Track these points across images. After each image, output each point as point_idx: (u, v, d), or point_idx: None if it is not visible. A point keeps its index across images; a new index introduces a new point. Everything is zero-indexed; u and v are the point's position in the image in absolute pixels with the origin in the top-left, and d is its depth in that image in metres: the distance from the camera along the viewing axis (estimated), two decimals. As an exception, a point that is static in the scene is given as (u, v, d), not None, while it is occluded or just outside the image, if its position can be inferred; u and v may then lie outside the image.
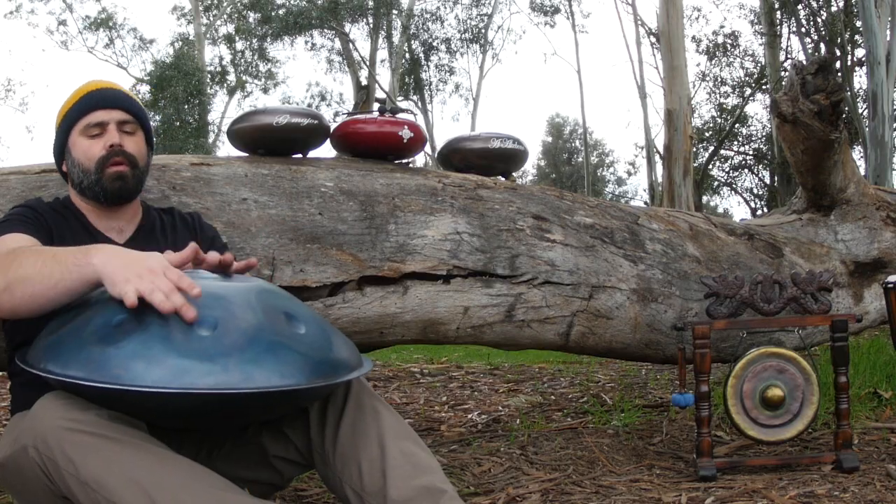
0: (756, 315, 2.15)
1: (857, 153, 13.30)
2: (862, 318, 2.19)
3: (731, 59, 18.59)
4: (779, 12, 15.88)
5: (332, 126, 2.27)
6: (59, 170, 1.64)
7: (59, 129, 1.60)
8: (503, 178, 2.43)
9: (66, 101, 1.60)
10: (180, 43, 20.20)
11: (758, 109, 24.55)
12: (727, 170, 19.74)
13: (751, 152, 19.19)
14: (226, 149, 23.77)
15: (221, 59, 20.85)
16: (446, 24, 20.22)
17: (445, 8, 19.36)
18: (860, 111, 12.86)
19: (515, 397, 3.38)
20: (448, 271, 2.11)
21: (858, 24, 11.70)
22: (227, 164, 2.07)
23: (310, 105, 20.56)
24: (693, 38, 18.32)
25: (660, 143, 13.08)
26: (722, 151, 18.86)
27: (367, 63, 18.30)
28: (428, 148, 17.20)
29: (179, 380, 1.10)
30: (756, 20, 17.35)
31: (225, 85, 20.77)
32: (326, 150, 2.30)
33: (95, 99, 1.57)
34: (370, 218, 2.08)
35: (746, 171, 19.48)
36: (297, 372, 1.17)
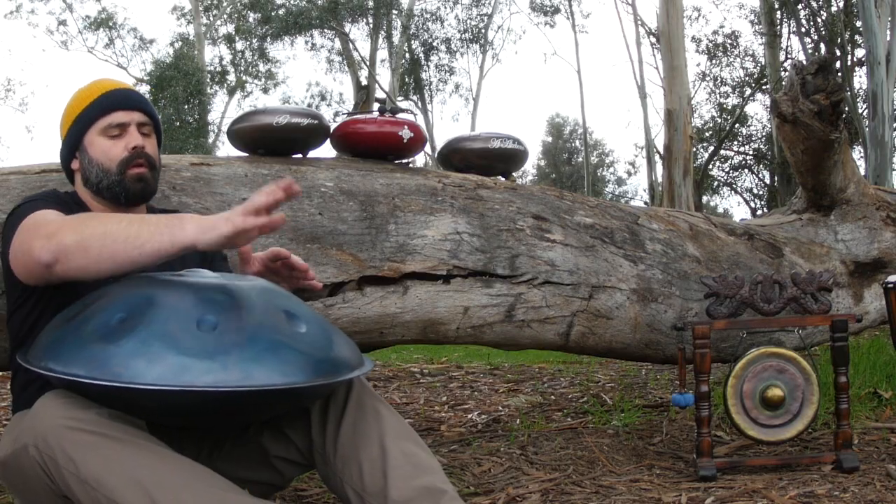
0: (756, 315, 2.15)
1: (857, 153, 13.30)
2: (862, 318, 2.20)
3: (731, 59, 18.60)
4: (779, 12, 15.88)
5: (332, 126, 2.27)
6: (67, 167, 1.63)
7: (73, 127, 1.58)
8: (503, 178, 2.43)
9: (79, 98, 1.58)
10: (180, 43, 20.20)
11: (758, 109, 24.57)
12: (727, 170, 19.75)
13: (751, 152, 19.19)
14: (226, 149, 23.78)
15: (221, 59, 20.87)
16: (446, 24, 20.23)
17: (445, 8, 19.38)
18: (860, 111, 12.86)
19: (515, 397, 3.38)
20: (448, 271, 2.11)
21: (858, 24, 11.71)
22: (227, 164, 2.07)
23: (310, 105, 20.56)
24: (693, 38, 18.33)
25: (660, 143, 13.09)
26: (722, 151, 18.86)
27: (367, 63, 18.30)
28: (428, 148, 17.20)
29: (180, 377, 1.10)
30: (756, 20, 17.35)
31: (225, 85, 20.77)
32: (326, 150, 2.30)
33: (116, 99, 1.56)
34: (370, 218, 2.08)
35: (746, 171, 19.49)
36: (297, 370, 1.17)
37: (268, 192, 1.24)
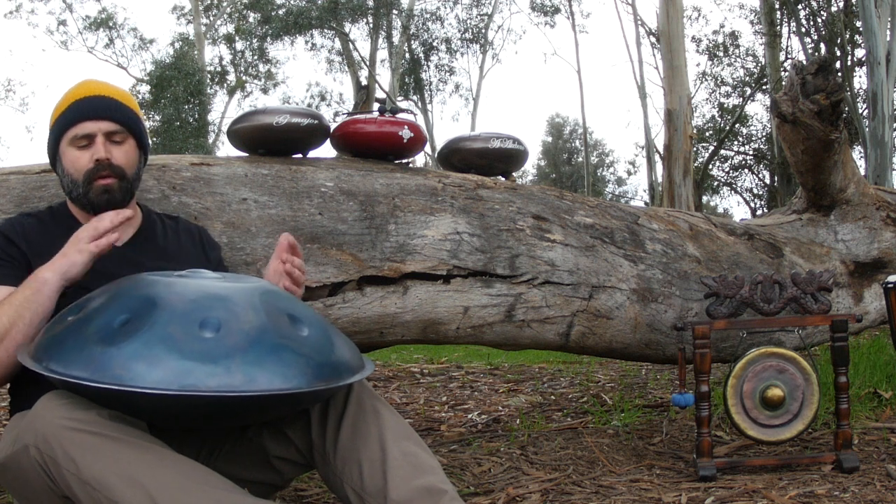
0: (756, 315, 2.15)
1: (857, 153, 13.29)
2: (862, 318, 2.19)
3: (732, 59, 18.60)
4: (779, 12, 15.87)
5: (332, 126, 2.27)
6: (56, 172, 1.64)
7: (50, 135, 1.59)
8: (503, 178, 2.43)
9: (58, 105, 1.59)
10: (180, 43, 20.18)
11: (758, 109, 24.54)
12: (727, 170, 19.75)
13: (751, 152, 19.19)
14: (226, 149, 23.79)
15: (221, 59, 20.86)
16: (446, 24, 20.22)
17: (445, 8, 19.38)
18: (860, 111, 12.86)
19: (515, 397, 3.38)
20: (448, 271, 2.11)
21: (858, 24, 11.70)
22: (227, 164, 2.07)
23: (310, 105, 20.56)
24: (693, 38, 18.33)
25: (660, 143, 13.09)
26: (722, 151, 18.86)
27: (367, 63, 18.29)
28: (428, 148, 17.20)
29: (181, 381, 1.10)
30: (756, 20, 17.35)
31: (225, 85, 20.76)
32: (326, 150, 2.30)
33: (83, 109, 1.55)
34: (370, 218, 2.08)
35: (746, 171, 19.48)
36: (299, 375, 1.17)
37: (110, 217, 1.42)
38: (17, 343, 1.32)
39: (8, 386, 1.46)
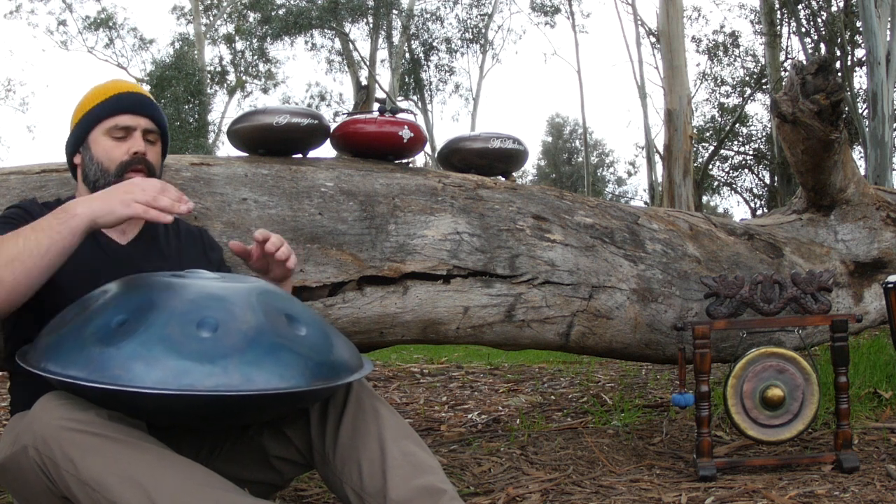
0: (756, 315, 2.15)
1: (857, 153, 13.29)
2: (862, 318, 2.19)
3: (732, 59, 18.60)
4: (779, 12, 15.88)
5: (332, 126, 2.27)
6: (70, 162, 1.64)
7: (81, 122, 1.59)
8: (503, 178, 2.43)
9: (91, 96, 1.60)
10: (180, 43, 20.19)
11: (758, 109, 24.57)
12: (727, 170, 19.75)
13: (751, 152, 19.19)
14: (226, 149, 23.79)
15: (221, 59, 20.87)
16: (446, 24, 20.24)
17: (445, 8, 19.39)
18: (860, 111, 12.86)
19: (515, 397, 3.38)
20: (448, 271, 2.11)
21: (858, 24, 11.70)
22: (227, 164, 2.07)
23: (310, 105, 20.57)
24: (693, 38, 18.34)
25: (660, 143, 13.09)
26: (722, 151, 18.86)
27: (367, 63, 18.29)
28: (428, 148, 17.20)
29: (179, 381, 1.10)
30: (756, 20, 17.35)
31: (225, 85, 20.77)
32: (326, 150, 2.30)
33: (127, 102, 1.58)
34: (370, 218, 2.08)
35: (746, 171, 19.48)
36: (297, 374, 1.17)
37: (174, 200, 1.33)
38: (28, 268, 1.26)
39: (8, 386, 1.46)
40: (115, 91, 1.59)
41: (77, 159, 1.61)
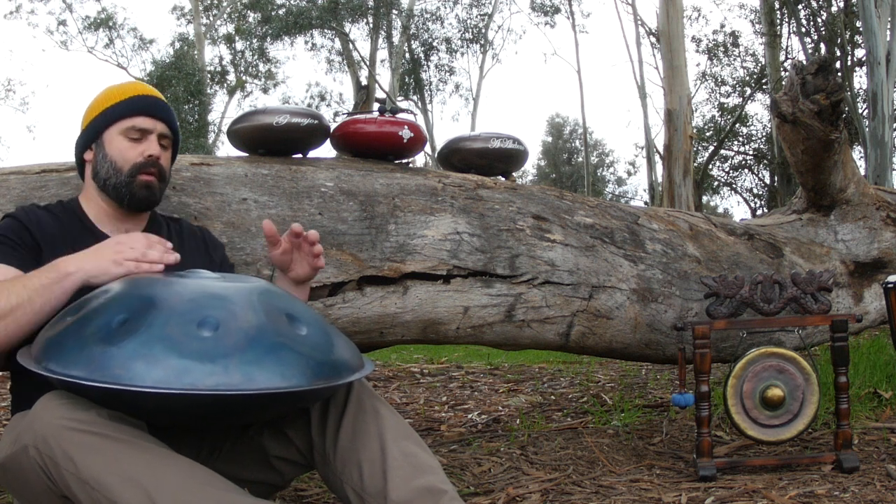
0: (756, 315, 2.15)
1: (857, 153, 13.29)
2: (862, 318, 2.19)
3: (732, 59, 18.60)
4: (779, 12, 15.88)
5: (332, 126, 2.27)
6: (80, 156, 1.64)
7: (96, 119, 1.59)
8: (503, 178, 2.43)
9: (110, 93, 1.60)
10: (180, 43, 20.19)
11: (758, 109, 24.55)
12: (727, 170, 19.75)
13: (751, 152, 19.19)
14: (226, 149, 23.77)
15: (221, 59, 20.86)
16: (446, 24, 20.24)
17: (445, 8, 19.37)
18: (860, 111, 12.86)
19: (515, 397, 3.38)
20: (448, 271, 2.11)
21: (858, 24, 11.70)
22: (227, 164, 2.07)
23: (310, 105, 20.56)
24: (693, 38, 18.33)
25: (660, 143, 13.08)
26: (722, 151, 18.86)
27: (367, 63, 18.29)
28: (428, 148, 17.20)
29: (180, 380, 1.10)
30: (756, 20, 17.35)
31: (225, 85, 20.76)
32: (326, 150, 2.30)
33: (146, 105, 1.59)
34: (370, 218, 2.08)
35: (746, 171, 19.48)
36: (298, 373, 1.17)
37: (162, 252, 1.41)
38: (21, 326, 1.30)
39: (9, 385, 1.46)
40: (135, 93, 1.60)
41: (88, 156, 1.61)
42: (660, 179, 13.94)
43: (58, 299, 1.33)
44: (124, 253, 1.38)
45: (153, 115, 1.59)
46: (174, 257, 1.42)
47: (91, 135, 1.60)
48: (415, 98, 20.22)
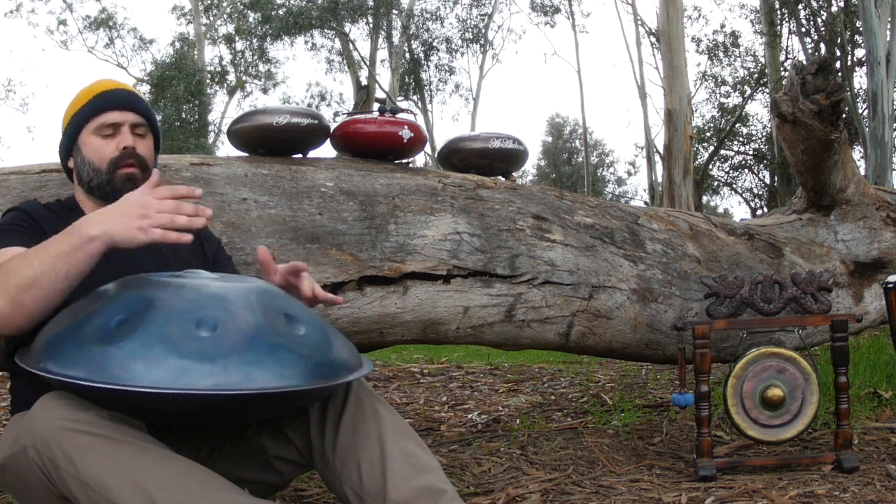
0: (756, 315, 2.15)
1: (857, 153, 13.30)
2: (862, 318, 2.19)
3: (732, 59, 18.61)
4: (779, 12, 15.88)
5: (332, 126, 2.27)
6: (65, 167, 1.64)
7: (69, 125, 1.60)
8: (503, 178, 2.43)
9: (77, 99, 1.60)
10: (180, 43, 20.19)
11: (758, 109, 24.56)
12: (727, 170, 19.76)
13: (751, 152, 19.19)
14: (226, 149, 23.78)
15: (221, 59, 20.87)
16: (446, 23, 20.24)
17: (445, 8, 19.36)
18: (860, 111, 12.86)
19: (515, 397, 3.38)
20: (448, 271, 2.11)
21: (858, 24, 11.70)
22: (227, 164, 2.07)
23: (310, 105, 20.56)
24: (693, 38, 18.34)
25: (660, 143, 13.08)
26: (722, 151, 18.86)
27: (367, 63, 18.29)
28: (428, 148, 17.20)
29: (179, 380, 1.10)
30: (756, 20, 17.35)
31: (225, 85, 20.77)
32: (326, 150, 2.30)
33: (110, 99, 1.58)
34: (370, 218, 2.08)
35: (746, 171, 19.49)
36: (296, 373, 1.17)
37: (190, 215, 1.29)
38: (46, 295, 1.25)
39: (8, 386, 1.45)
40: (99, 90, 1.59)
41: (71, 163, 1.61)
42: (660, 179, 13.94)
43: (83, 264, 1.26)
44: (151, 218, 1.26)
45: (120, 107, 1.57)
46: (201, 221, 1.29)
47: (69, 142, 1.60)
48: (415, 98, 20.23)
